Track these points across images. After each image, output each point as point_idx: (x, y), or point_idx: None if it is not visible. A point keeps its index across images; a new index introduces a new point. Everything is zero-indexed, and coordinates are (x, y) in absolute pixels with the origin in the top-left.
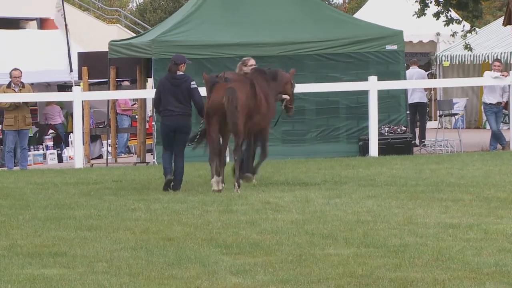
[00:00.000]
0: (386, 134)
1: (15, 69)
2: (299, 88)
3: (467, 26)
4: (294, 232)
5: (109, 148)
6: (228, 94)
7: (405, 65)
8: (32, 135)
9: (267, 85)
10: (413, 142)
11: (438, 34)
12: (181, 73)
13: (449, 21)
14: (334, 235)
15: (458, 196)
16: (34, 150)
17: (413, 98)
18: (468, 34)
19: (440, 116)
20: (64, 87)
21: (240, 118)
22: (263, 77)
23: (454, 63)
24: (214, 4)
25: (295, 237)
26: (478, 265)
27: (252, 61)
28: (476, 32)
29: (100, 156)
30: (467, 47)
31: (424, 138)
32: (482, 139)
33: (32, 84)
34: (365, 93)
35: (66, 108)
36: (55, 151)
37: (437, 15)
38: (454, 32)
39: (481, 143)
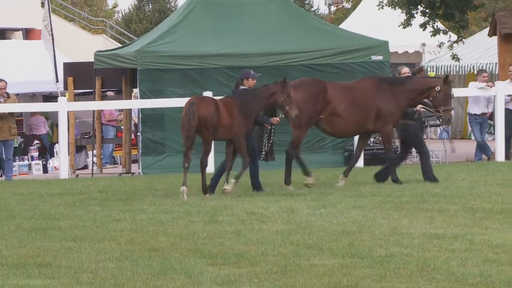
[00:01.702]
0: (371, 144)
1: (0, 80)
2: None
3: (453, 36)
4: (279, 243)
5: (95, 159)
6: (187, 108)
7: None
8: (17, 145)
9: (378, 91)
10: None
11: (423, 44)
12: (244, 87)
13: (435, 32)
14: (319, 245)
15: (443, 207)
16: (19, 161)
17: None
18: (455, 45)
19: (425, 126)
20: (50, 97)
21: (193, 132)
22: (372, 84)
23: (439, 74)
24: (200, 14)
25: (280, 247)
26: (463, 275)
27: (405, 69)
28: (463, 42)
29: (85, 167)
30: (454, 57)
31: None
32: (467, 149)
33: (17, 94)
34: None
35: (51, 118)
36: (40, 162)
37: (423, 25)
38: (441, 43)
39: (466, 153)
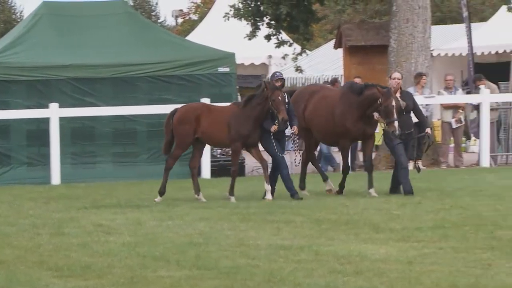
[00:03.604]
0: (218, 156)
1: None
2: (130, 110)
3: (298, 48)
4: (126, 255)
5: None
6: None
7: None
8: None
9: (345, 99)
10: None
11: (270, 56)
12: None
13: (280, 43)
14: (166, 257)
15: (290, 218)
16: None
17: None
18: (299, 56)
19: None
20: None
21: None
22: (343, 92)
23: (285, 86)
24: (46, 26)
25: (127, 259)
26: (309, 286)
27: (395, 74)
28: (307, 54)
29: None
30: (298, 69)
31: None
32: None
33: None
34: None
35: None
36: None
37: (268, 37)
38: (285, 55)
39: (312, 165)
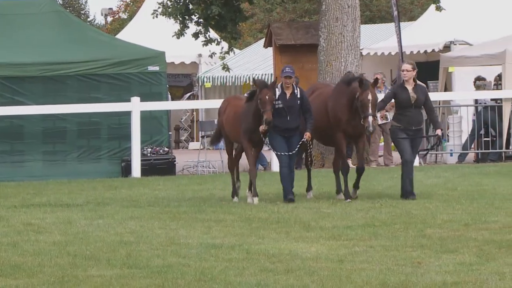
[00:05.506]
0: (148, 155)
1: None
2: (60, 109)
3: (226, 46)
4: (56, 254)
5: None
6: None
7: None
8: None
9: (337, 91)
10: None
11: (199, 55)
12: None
13: (207, 42)
14: (97, 256)
15: (220, 217)
16: None
17: None
18: (228, 55)
19: (202, 137)
20: None
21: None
22: (337, 84)
23: (216, 85)
24: None
25: (57, 258)
26: (240, 285)
27: (404, 66)
28: (234, 53)
29: None
30: (225, 67)
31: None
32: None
33: None
34: (127, 114)
35: None
36: None
37: (196, 35)
38: (213, 53)
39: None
